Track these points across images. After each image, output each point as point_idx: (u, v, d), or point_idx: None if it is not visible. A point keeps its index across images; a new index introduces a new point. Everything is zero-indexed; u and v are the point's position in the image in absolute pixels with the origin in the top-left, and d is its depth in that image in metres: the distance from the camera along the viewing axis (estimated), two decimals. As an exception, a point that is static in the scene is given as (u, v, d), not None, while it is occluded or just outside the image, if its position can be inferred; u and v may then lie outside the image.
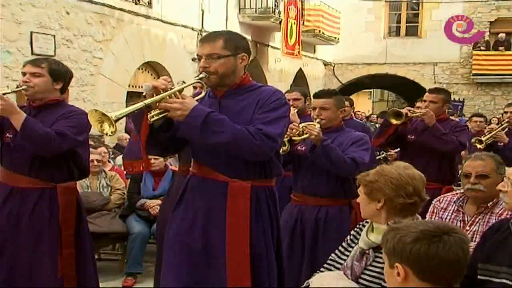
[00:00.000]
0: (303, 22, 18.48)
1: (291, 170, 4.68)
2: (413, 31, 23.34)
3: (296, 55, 18.43)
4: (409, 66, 22.81)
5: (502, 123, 7.25)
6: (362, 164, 4.25)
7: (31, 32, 10.40)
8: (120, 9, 12.49)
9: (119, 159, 8.02)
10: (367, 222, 3.08)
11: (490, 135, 6.65)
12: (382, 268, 2.74)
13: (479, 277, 2.76)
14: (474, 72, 22.36)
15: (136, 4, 12.97)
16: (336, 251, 3.21)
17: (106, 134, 3.06)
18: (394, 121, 5.72)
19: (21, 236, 3.94)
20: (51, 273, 3.96)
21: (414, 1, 23.17)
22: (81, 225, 4.22)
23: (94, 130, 3.52)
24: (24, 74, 4.07)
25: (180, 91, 3.21)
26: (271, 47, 18.57)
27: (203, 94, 3.42)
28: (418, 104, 5.99)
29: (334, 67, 23.35)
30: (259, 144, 3.17)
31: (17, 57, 10.10)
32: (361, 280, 2.89)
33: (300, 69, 20.49)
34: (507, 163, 6.15)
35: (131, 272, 6.39)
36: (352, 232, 3.20)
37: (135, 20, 12.79)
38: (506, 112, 7.30)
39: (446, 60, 22.72)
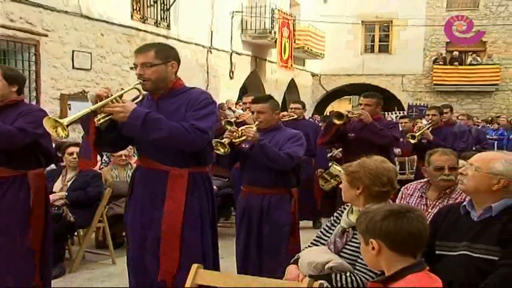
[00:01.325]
0: (295, 41, 18.45)
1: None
2: (384, 49, 23.29)
3: (289, 67, 18.40)
4: (381, 77, 22.78)
5: (427, 123, 7.13)
6: (296, 158, 4.22)
7: (73, 51, 10.52)
8: (144, 31, 12.54)
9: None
10: (347, 205, 3.07)
11: (421, 131, 6.64)
12: (360, 243, 2.75)
13: (437, 252, 2.76)
14: (434, 82, 22.42)
15: (157, 26, 13.02)
16: (321, 229, 3.19)
17: (61, 137, 3.02)
18: (337, 121, 5.74)
19: None
20: (23, 243, 3.90)
21: (385, 24, 23.12)
22: (47, 204, 4.14)
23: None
24: None
25: (120, 96, 3.17)
26: (268, 61, 18.53)
27: (140, 97, 3.39)
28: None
29: (320, 77, 23.31)
30: (193, 137, 3.17)
31: (61, 71, 10.29)
32: (342, 254, 2.88)
33: (292, 79, 20.47)
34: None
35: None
36: (335, 213, 3.18)
37: (156, 39, 12.67)
38: (428, 115, 7.20)
39: (411, 72, 22.71)
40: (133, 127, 3.11)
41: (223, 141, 4.04)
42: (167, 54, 3.38)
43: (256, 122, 4.32)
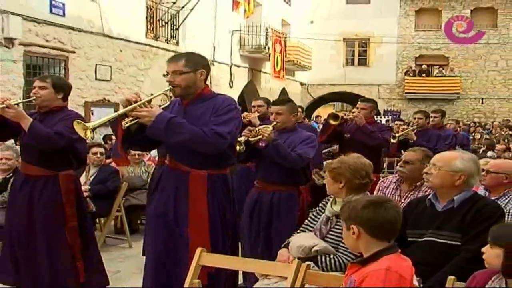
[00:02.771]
0: (286, 55, 18.42)
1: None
2: (363, 62, 23.25)
3: (281, 78, 18.37)
4: (361, 86, 22.74)
5: (413, 125, 6.93)
6: (306, 158, 4.00)
7: (96, 64, 10.59)
8: (156, 47, 12.52)
9: (154, 152, 7.94)
10: (331, 197, 3.06)
11: (402, 133, 6.44)
12: (342, 230, 2.74)
13: (409, 239, 2.76)
14: (406, 91, 22.39)
15: (167, 43, 12.99)
16: (308, 218, 3.19)
17: (88, 138, 2.98)
18: (332, 122, 5.54)
19: (34, 212, 3.72)
20: (63, 240, 3.73)
21: (363, 41, 23.10)
22: (80, 204, 3.92)
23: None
24: (34, 87, 3.80)
25: (149, 101, 3.03)
26: (263, 72, 18.48)
27: (168, 103, 3.21)
28: (353, 110, 5.73)
29: (308, 86, 23.28)
30: (211, 141, 3.00)
31: (86, 82, 10.37)
32: (326, 239, 2.89)
33: (284, 88, 20.43)
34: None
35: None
36: (320, 204, 3.18)
37: (166, 54, 12.69)
38: (414, 118, 6.96)
39: (386, 82, 22.70)
40: (157, 131, 2.96)
41: (240, 139, 3.80)
42: (197, 63, 3.18)
43: (273, 123, 4.11)
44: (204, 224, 3.10)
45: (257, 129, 3.96)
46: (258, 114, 5.22)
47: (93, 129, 2.89)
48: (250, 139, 3.88)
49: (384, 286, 1.90)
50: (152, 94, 3.24)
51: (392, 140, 6.24)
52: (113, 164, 6.92)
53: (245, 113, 5.24)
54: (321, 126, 7.54)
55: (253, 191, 4.21)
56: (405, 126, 7.34)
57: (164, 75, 3.22)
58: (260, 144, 3.94)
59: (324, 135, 5.75)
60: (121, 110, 2.97)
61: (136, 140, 3.13)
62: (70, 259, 3.74)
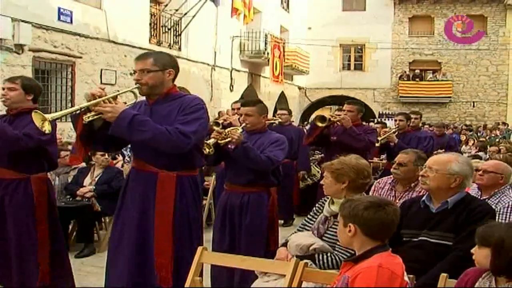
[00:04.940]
0: (284, 60, 18.41)
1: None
2: (359, 67, 23.27)
3: (280, 82, 18.35)
4: (356, 90, 22.74)
5: (394, 128, 6.72)
6: (276, 161, 3.78)
7: (101, 69, 10.66)
8: (159, 52, 12.47)
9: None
10: (327, 198, 3.05)
11: (384, 136, 6.21)
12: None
13: (404, 238, 2.75)
14: (400, 95, 22.41)
15: (170, 49, 12.95)
16: (306, 217, 3.16)
17: (45, 131, 2.78)
18: (319, 124, 5.32)
19: (6, 215, 3.55)
20: (33, 243, 3.55)
21: (359, 47, 23.12)
22: (52, 208, 3.70)
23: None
24: (3, 89, 3.58)
25: (114, 98, 2.84)
26: (262, 76, 18.47)
27: (134, 101, 3.03)
28: (338, 112, 5.51)
29: (305, 90, 23.29)
30: (174, 140, 2.82)
31: (92, 86, 10.39)
32: (324, 238, 2.88)
33: (282, 92, 20.44)
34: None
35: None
36: (317, 204, 3.15)
37: (169, 59, 12.81)
38: (395, 120, 6.78)
39: (381, 86, 22.73)
40: (120, 128, 2.77)
41: (209, 141, 3.60)
42: (165, 63, 3.01)
43: (243, 124, 3.88)
44: (168, 228, 2.94)
45: (226, 131, 3.76)
46: (238, 117, 5.00)
47: (52, 121, 2.74)
48: (219, 141, 3.68)
49: (377, 282, 1.90)
50: (118, 91, 3.06)
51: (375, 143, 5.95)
52: (118, 164, 6.90)
53: (226, 116, 5.10)
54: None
55: (223, 194, 4.03)
56: (387, 129, 7.07)
57: (131, 74, 3.06)
58: (229, 146, 3.74)
59: (311, 137, 5.55)
60: (84, 104, 2.79)
61: (98, 138, 2.95)
62: (39, 262, 3.55)
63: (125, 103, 2.97)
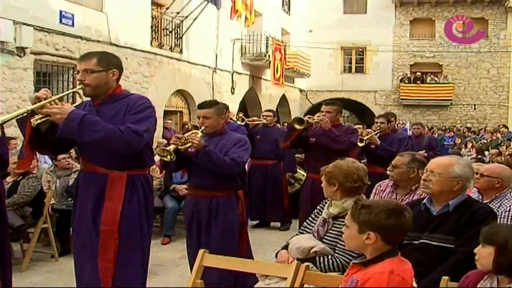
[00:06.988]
0: (285, 63, 18.41)
1: None
2: (360, 69, 23.27)
3: (281, 84, 18.33)
4: (358, 93, 22.78)
5: (375, 129, 6.51)
6: (242, 163, 3.70)
7: (103, 72, 10.59)
8: (160, 55, 12.50)
9: (156, 158, 7.84)
10: (328, 200, 3.05)
11: (368, 137, 6.12)
12: (338, 231, 2.74)
13: (405, 241, 2.74)
14: (401, 97, 22.41)
15: (171, 51, 12.99)
16: (307, 220, 3.16)
17: None
18: (297, 126, 5.09)
19: None
20: None
21: (360, 50, 23.12)
22: (2, 216, 3.41)
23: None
24: None
25: (60, 99, 2.77)
26: (263, 79, 18.48)
27: (79, 102, 2.95)
28: (317, 114, 5.25)
29: (306, 93, 23.29)
30: (128, 140, 2.77)
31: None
32: (324, 240, 2.88)
33: (284, 95, 20.44)
34: (379, 162, 5.75)
35: (167, 234, 6.38)
36: (318, 207, 3.16)
37: (170, 62, 12.81)
38: (377, 122, 6.59)
39: (383, 89, 22.72)
40: (70, 129, 2.69)
41: (168, 148, 3.47)
42: (109, 63, 2.94)
43: (202, 128, 3.73)
44: (113, 228, 2.89)
45: (185, 135, 3.62)
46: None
47: (1, 124, 2.67)
48: (179, 147, 3.53)
49: (387, 288, 1.89)
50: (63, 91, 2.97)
51: (359, 143, 5.80)
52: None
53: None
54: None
55: (188, 199, 3.89)
56: (369, 130, 6.87)
57: (74, 74, 3.04)
58: (190, 150, 3.60)
59: (288, 141, 5.27)
60: (30, 106, 2.69)
61: (47, 142, 2.87)
62: None
63: (72, 103, 2.88)
